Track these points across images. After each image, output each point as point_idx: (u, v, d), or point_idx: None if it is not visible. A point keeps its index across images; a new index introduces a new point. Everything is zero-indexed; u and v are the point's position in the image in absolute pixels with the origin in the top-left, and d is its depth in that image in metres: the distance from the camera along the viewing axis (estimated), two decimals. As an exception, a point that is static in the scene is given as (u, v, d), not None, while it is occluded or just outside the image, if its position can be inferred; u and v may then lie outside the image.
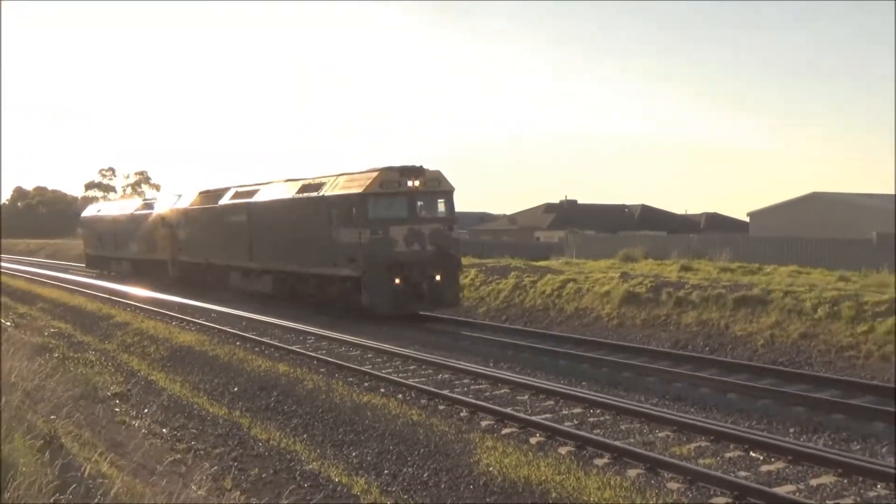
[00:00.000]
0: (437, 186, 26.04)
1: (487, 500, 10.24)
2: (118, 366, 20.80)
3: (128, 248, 46.90)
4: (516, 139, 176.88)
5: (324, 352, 20.64)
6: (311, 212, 27.49)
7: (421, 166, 25.67)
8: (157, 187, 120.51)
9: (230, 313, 28.70)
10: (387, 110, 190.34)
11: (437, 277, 25.17)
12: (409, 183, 25.37)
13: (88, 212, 58.93)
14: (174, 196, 42.08)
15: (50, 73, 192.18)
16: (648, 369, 17.16)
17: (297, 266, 28.88)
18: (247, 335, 23.45)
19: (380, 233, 24.68)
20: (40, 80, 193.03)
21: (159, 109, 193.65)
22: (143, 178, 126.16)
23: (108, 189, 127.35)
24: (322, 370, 18.16)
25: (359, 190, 25.14)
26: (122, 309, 31.37)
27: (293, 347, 21.16)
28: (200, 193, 38.48)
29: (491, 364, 18.53)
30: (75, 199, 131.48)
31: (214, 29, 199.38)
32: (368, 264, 24.67)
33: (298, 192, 28.97)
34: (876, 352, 17.56)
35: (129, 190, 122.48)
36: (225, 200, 34.99)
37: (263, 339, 22.58)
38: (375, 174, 25.21)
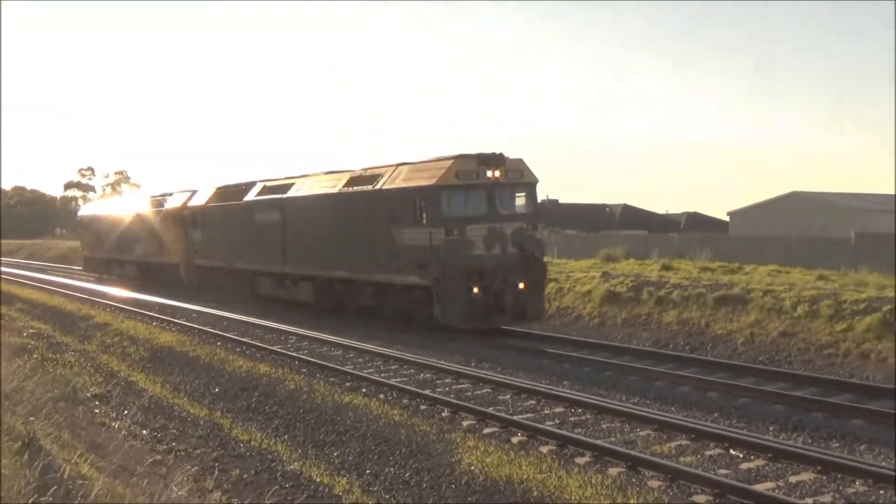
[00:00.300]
0: (520, 177, 22.32)
1: (469, 499, 10.25)
2: (98, 367, 20.68)
3: (133, 249, 42.73)
4: (516, 139, 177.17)
5: (305, 352, 20.61)
6: (365, 209, 23.99)
7: (501, 154, 21.95)
8: (136, 187, 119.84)
9: (211, 313, 28.62)
10: (387, 110, 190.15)
11: (521, 286, 21.57)
12: (489, 173, 21.60)
13: (87, 210, 54.78)
14: (186, 192, 38.18)
15: (41, 73, 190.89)
16: (629, 368, 17.21)
17: (347, 272, 25.21)
18: (228, 335, 23.38)
19: (455, 233, 21.11)
20: (30, 79, 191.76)
21: (157, 110, 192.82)
22: (123, 178, 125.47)
23: (87, 189, 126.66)
24: (303, 370, 18.13)
25: (430, 182, 21.46)
26: (102, 309, 31.20)
27: (274, 348, 21.12)
28: (218, 189, 34.89)
29: (472, 363, 18.54)
30: (54, 199, 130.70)
31: (214, 29, 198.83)
32: (443, 271, 21.04)
33: (346, 185, 25.29)
34: (854, 350, 17.71)
35: (108, 189, 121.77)
36: (251, 196, 31.16)
37: (244, 340, 22.52)
38: (449, 163, 21.52)
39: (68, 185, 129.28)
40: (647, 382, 16.14)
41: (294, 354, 20.03)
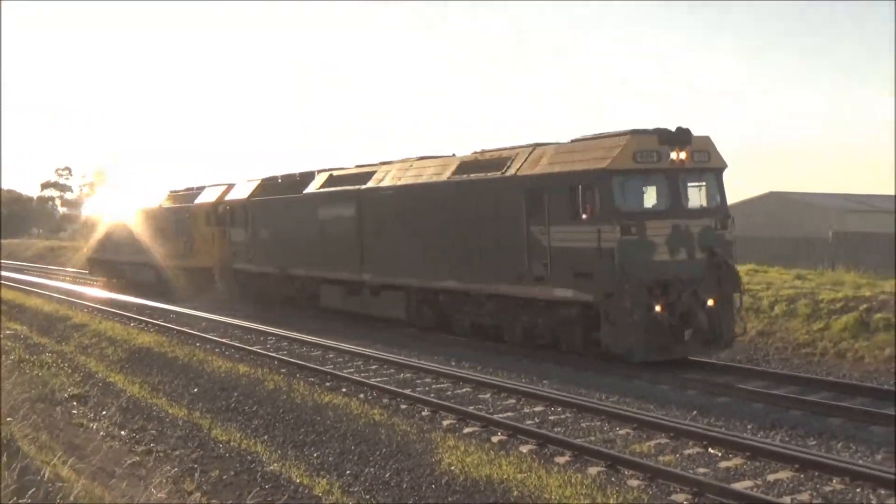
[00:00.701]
0: (707, 161, 17.63)
1: (449, 499, 10.26)
2: (76, 367, 20.55)
3: (151, 251, 37.05)
4: (517, 138, 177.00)
5: (285, 352, 20.57)
6: (488, 201, 19.24)
7: (688, 129, 17.37)
8: (114, 186, 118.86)
9: (190, 314, 28.51)
10: (387, 110, 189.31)
11: (710, 303, 16.90)
12: (673, 155, 17.04)
13: (93, 206, 49.72)
14: (220, 185, 33.77)
15: (26, 72, 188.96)
16: (609, 367, 17.23)
17: (457, 281, 20.37)
18: (207, 336, 23.31)
19: (634, 231, 16.50)
20: (16, 78, 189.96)
21: (153, 110, 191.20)
22: (101, 178, 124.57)
23: (64, 189, 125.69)
24: (283, 370, 18.10)
25: (598, 164, 16.78)
26: (80, 310, 31.01)
27: (254, 348, 21.08)
28: (265, 181, 30.18)
29: (453, 363, 18.55)
30: (30, 199, 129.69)
31: (214, 29, 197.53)
32: (617, 282, 16.27)
33: (457, 172, 20.57)
34: (831, 349, 17.86)
35: (86, 189, 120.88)
36: (314, 188, 26.44)
37: (224, 340, 22.47)
38: (623, 141, 16.82)
39: (45, 185, 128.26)
40: (626, 381, 16.19)
41: (273, 355, 20.00)
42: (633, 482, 10.41)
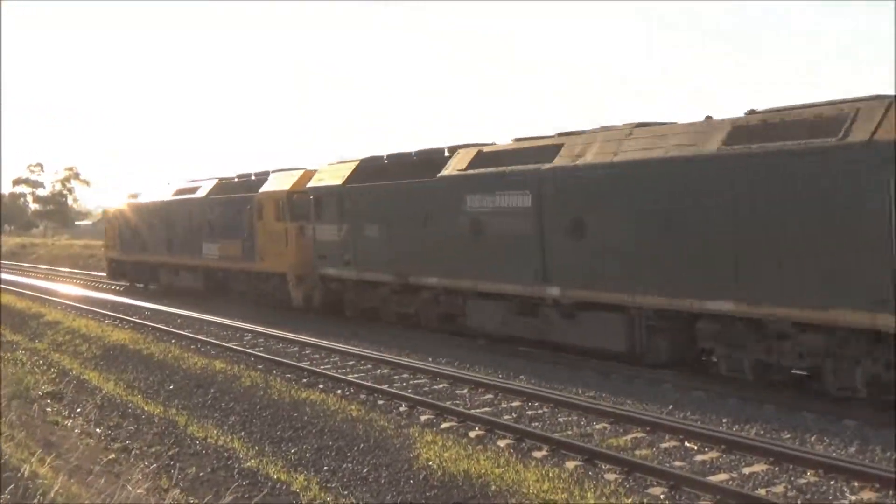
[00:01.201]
0: None
1: (427, 493, 10.29)
2: (50, 365, 20.43)
3: (196, 251, 31.42)
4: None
5: (261, 348, 20.52)
6: (808, 181, 12.59)
7: None
8: (87, 183, 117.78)
9: (165, 311, 28.36)
10: (387, 110, 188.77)
11: None
12: None
13: (115, 197, 44.80)
14: (294, 170, 27.35)
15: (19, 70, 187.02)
16: (584, 363, 17.27)
17: (739, 302, 13.66)
18: (182, 332, 23.22)
19: None
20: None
21: (153, 109, 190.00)
22: (73, 174, 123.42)
23: (36, 185, 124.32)
24: (260, 367, 18.05)
25: None
26: (53, 307, 30.78)
27: (230, 344, 21.01)
28: (364, 162, 23.65)
29: (430, 359, 18.57)
30: (1, 195, 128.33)
31: (214, 29, 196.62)
32: None
33: (731, 141, 13.83)
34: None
35: (58, 186, 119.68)
36: (454, 170, 19.61)
37: (199, 337, 22.37)
38: None
39: (16, 182, 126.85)
40: (602, 377, 16.25)
41: (250, 351, 19.94)
42: (611, 476, 10.48)
